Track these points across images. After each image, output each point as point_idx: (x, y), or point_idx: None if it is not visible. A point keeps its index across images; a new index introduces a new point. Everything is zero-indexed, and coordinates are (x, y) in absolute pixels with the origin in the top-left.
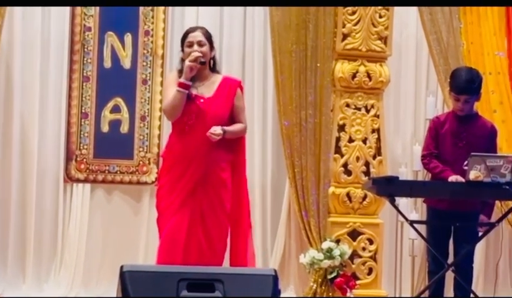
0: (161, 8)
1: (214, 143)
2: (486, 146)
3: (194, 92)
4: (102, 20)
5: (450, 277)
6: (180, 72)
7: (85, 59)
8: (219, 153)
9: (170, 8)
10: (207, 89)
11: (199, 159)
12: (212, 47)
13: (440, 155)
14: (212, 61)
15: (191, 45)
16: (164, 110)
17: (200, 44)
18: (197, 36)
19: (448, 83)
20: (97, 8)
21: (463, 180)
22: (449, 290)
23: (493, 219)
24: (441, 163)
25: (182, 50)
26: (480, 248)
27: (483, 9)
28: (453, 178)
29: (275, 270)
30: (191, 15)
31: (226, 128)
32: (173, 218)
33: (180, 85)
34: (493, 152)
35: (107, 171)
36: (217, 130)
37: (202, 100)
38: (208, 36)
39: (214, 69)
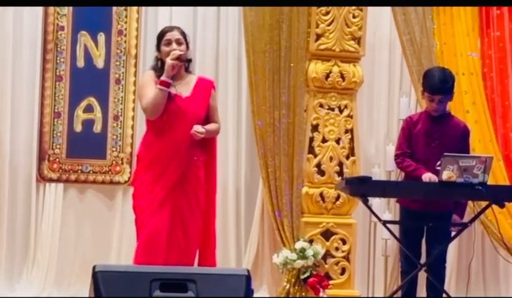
0: (135, 8)
1: (191, 142)
2: (458, 146)
3: (172, 91)
4: (75, 20)
5: (422, 277)
6: (156, 70)
7: (58, 58)
8: (195, 152)
9: (144, 8)
10: (184, 88)
11: (179, 158)
12: (188, 47)
13: (413, 155)
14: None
15: (169, 43)
16: (145, 109)
17: (178, 42)
18: (176, 34)
19: (421, 84)
20: (71, 7)
21: (436, 178)
22: (422, 290)
23: (466, 219)
24: (414, 162)
25: (159, 49)
26: (452, 248)
27: (456, 10)
28: (427, 176)
29: (248, 271)
30: (165, 15)
31: (206, 127)
32: (153, 219)
33: (162, 83)
34: (465, 152)
35: (80, 171)
36: (199, 128)
37: (180, 100)
38: (185, 36)
39: (187, 69)
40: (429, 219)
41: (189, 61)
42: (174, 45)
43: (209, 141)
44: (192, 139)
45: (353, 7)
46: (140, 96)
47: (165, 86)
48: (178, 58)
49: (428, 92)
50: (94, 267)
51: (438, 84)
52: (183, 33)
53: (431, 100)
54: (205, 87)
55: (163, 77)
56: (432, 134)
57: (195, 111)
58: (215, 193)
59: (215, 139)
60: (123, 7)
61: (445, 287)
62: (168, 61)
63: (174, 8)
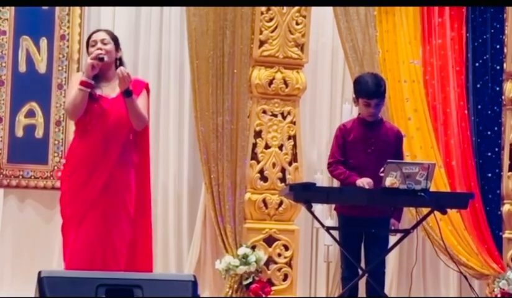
0: (77, 12)
1: (118, 144)
2: (393, 152)
3: (98, 92)
4: (18, 24)
5: (362, 281)
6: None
7: (0, 63)
8: (123, 155)
9: (86, 12)
10: (111, 90)
11: (104, 161)
12: (117, 48)
13: (351, 162)
14: (118, 62)
15: (94, 44)
16: (66, 109)
17: (103, 42)
18: (101, 35)
19: (354, 91)
20: (13, 12)
21: (370, 181)
22: (361, 293)
23: (407, 225)
24: (348, 169)
25: (88, 52)
26: (393, 254)
27: (399, 18)
28: (360, 182)
29: (194, 276)
30: (107, 20)
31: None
32: (79, 230)
33: (82, 83)
34: (400, 157)
35: (21, 176)
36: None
37: (105, 101)
38: (113, 37)
39: None
40: (367, 225)
41: (101, 59)
42: (99, 45)
43: (140, 142)
44: (119, 141)
45: (297, 14)
46: (66, 97)
47: (85, 86)
48: (97, 58)
49: (364, 98)
50: (39, 273)
51: (374, 88)
52: (111, 35)
53: (367, 105)
54: (135, 88)
55: (82, 78)
56: (368, 140)
57: (120, 113)
58: (150, 196)
59: (147, 141)
60: (66, 12)
61: (386, 292)
62: (88, 60)
63: (117, 12)
